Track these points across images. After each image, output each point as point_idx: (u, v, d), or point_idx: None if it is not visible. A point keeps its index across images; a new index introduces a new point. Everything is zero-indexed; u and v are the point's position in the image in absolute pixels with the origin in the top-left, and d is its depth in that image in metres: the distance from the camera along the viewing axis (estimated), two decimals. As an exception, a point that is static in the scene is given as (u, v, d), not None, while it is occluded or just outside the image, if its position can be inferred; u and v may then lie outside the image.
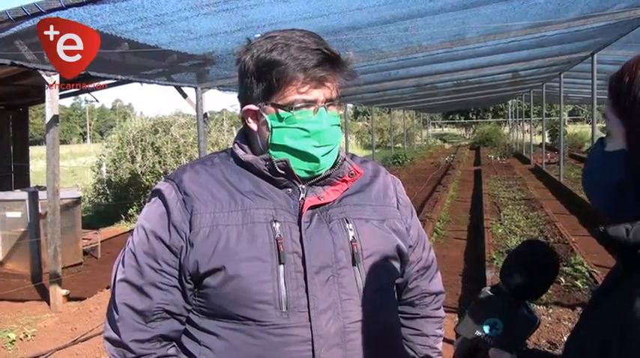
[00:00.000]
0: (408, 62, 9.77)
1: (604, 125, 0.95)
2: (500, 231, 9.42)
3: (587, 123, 41.92)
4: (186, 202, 1.38)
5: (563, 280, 6.48)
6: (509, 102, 39.48)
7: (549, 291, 6.12)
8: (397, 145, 34.92)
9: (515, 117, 37.65)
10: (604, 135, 0.99)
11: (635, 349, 0.77)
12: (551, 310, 5.60)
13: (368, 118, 39.25)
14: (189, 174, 1.44)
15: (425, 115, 49.11)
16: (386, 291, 1.52)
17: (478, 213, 11.58)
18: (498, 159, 26.70)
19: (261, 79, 1.37)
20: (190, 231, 1.36)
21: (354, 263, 1.40)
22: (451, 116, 59.88)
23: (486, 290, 1.08)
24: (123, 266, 1.43)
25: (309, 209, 1.40)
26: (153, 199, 1.46)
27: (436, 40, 7.67)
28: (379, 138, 38.56)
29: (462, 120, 60.01)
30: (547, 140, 30.63)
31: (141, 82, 7.77)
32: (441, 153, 33.94)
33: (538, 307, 5.73)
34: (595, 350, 0.86)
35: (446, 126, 67.95)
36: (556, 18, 7.23)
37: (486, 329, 1.05)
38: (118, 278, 1.43)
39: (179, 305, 1.40)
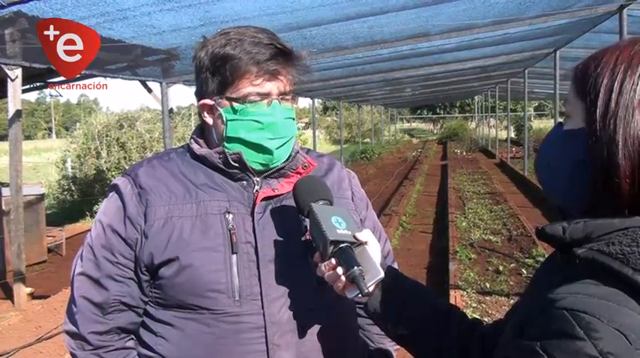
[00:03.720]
0: (373, 58, 9.84)
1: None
2: (464, 224, 9.57)
3: (553, 118, 42.57)
4: (141, 196, 1.41)
5: (525, 272, 6.63)
6: (476, 97, 39.98)
7: (511, 283, 6.28)
8: (365, 140, 35.11)
9: (482, 113, 38.14)
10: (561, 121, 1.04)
11: (545, 321, 0.81)
12: (512, 300, 5.73)
13: (337, 113, 39.31)
14: (145, 168, 1.47)
15: (393, 110, 49.43)
16: None
17: (444, 207, 11.74)
18: (465, 153, 27.04)
19: (215, 74, 1.40)
20: (145, 224, 1.38)
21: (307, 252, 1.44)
22: (419, 111, 60.38)
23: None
24: (81, 260, 1.46)
25: (262, 200, 1.43)
26: (110, 194, 1.48)
27: (400, 36, 7.74)
28: (348, 133, 38.68)
29: (430, 116, 60.56)
30: (512, 135, 31.09)
31: (105, 77, 7.67)
32: (408, 147, 34.25)
33: (500, 298, 5.87)
34: (518, 328, 0.91)
35: (414, 122, 68.37)
36: (518, 16, 7.37)
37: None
38: (76, 272, 1.46)
39: (135, 297, 1.43)
